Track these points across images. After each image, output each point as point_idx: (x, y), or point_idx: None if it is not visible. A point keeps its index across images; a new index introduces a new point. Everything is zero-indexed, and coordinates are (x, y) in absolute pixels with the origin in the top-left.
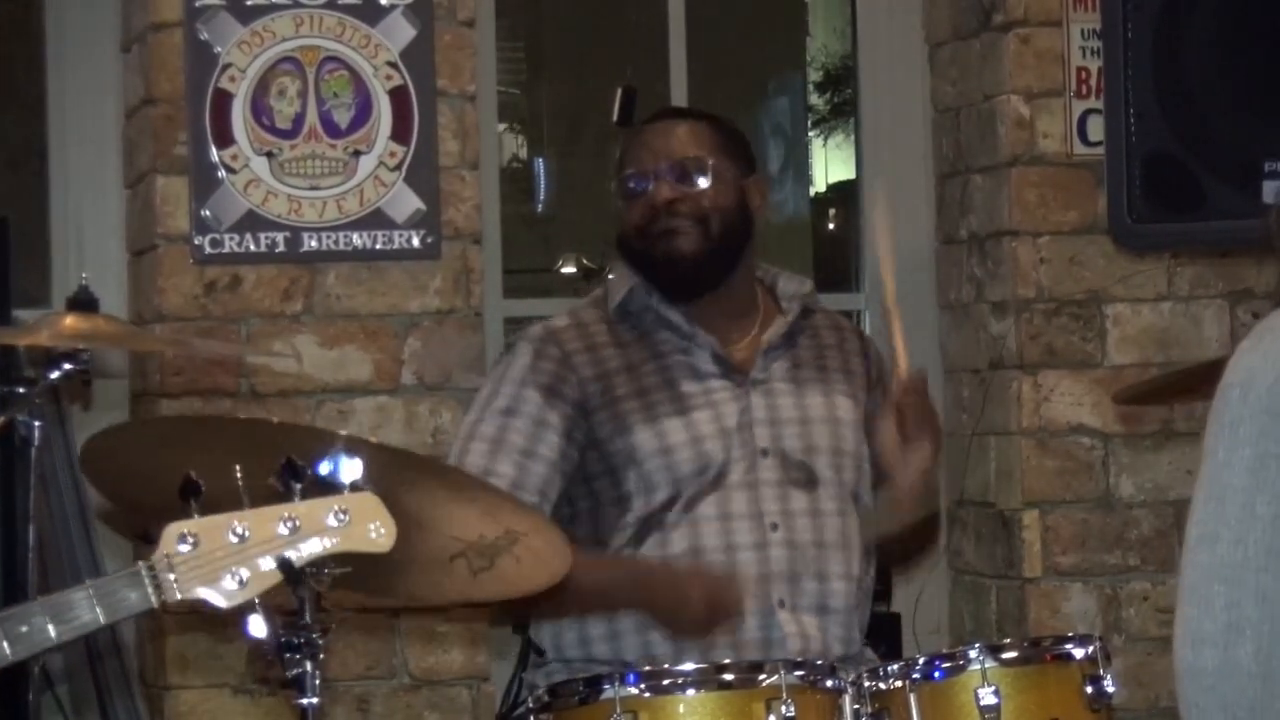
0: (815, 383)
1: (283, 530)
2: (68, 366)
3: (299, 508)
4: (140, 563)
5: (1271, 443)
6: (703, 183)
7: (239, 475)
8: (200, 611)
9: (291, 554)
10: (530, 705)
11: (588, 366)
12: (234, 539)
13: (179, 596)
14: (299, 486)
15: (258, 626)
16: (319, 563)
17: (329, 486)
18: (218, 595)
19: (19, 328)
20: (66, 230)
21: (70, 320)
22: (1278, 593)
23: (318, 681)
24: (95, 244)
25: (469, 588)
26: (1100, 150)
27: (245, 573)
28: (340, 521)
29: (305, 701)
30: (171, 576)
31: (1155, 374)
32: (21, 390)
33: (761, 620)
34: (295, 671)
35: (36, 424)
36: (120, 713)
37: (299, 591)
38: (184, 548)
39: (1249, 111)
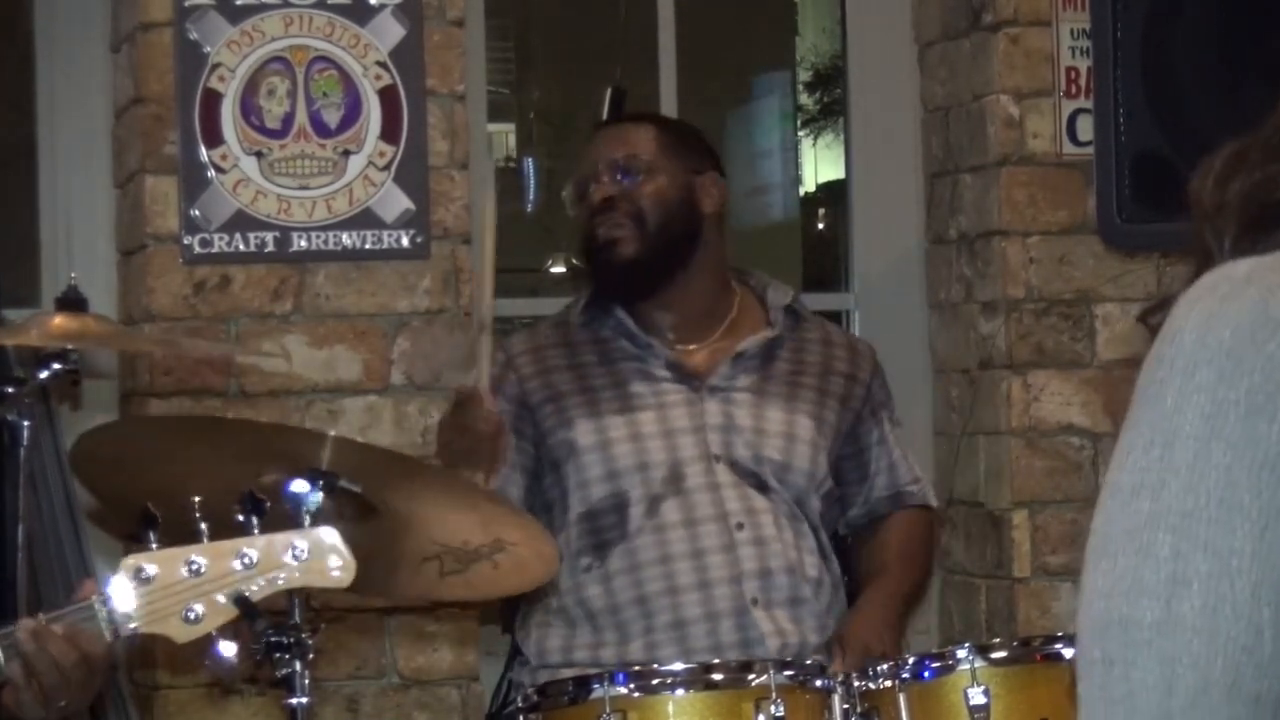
0: (780, 398)
1: (239, 565)
2: (57, 366)
3: (257, 542)
4: (94, 596)
5: (1230, 389)
6: (636, 179)
7: (196, 507)
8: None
9: (248, 590)
10: (519, 705)
11: (528, 365)
12: (189, 573)
13: (132, 630)
14: (257, 520)
15: (227, 649)
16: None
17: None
18: (171, 630)
19: (7, 327)
20: (55, 230)
21: (59, 320)
22: (1228, 548)
23: (307, 681)
24: (84, 243)
25: (432, 588)
26: (1090, 150)
27: (200, 608)
28: (298, 557)
29: (294, 701)
30: (125, 611)
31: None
32: (10, 390)
33: (737, 620)
34: (284, 671)
35: (25, 424)
36: (110, 713)
37: (255, 627)
38: (139, 581)
39: (1238, 111)
